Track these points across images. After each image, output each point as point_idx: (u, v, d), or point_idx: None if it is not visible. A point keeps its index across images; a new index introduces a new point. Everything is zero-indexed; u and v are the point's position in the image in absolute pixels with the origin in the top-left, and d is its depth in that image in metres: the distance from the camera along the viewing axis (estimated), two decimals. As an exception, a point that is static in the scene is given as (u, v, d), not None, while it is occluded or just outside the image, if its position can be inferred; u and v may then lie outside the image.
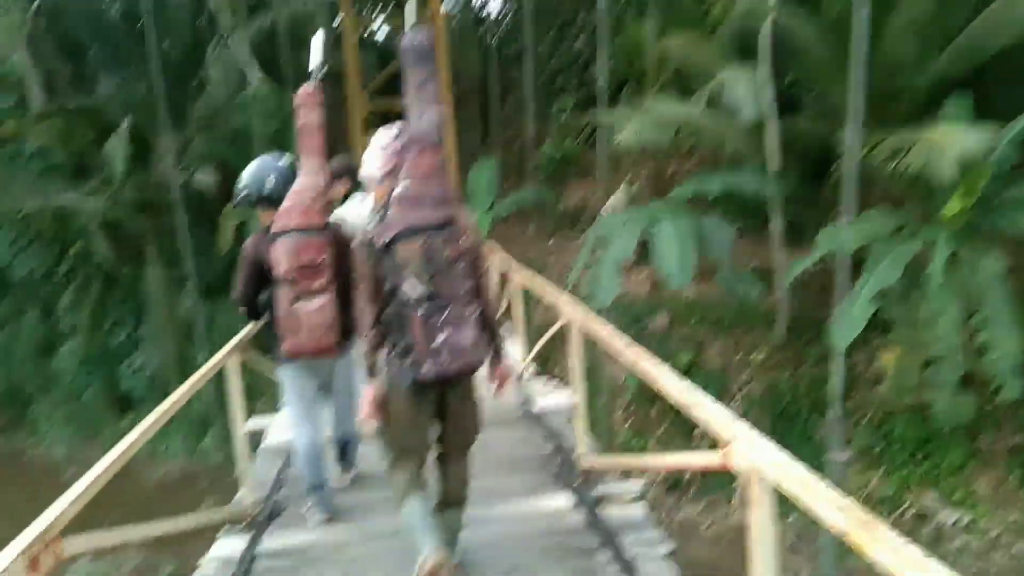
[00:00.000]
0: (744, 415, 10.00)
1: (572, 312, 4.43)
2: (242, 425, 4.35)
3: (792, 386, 9.71)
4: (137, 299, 12.66)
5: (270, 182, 3.59)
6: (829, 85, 9.15)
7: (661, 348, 9.80)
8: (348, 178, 4.60)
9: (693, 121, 9.33)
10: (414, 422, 2.86)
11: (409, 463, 2.91)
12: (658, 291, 10.68)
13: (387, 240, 2.66)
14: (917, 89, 8.68)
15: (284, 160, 3.69)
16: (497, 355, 3.02)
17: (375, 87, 17.21)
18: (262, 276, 3.55)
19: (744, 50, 11.15)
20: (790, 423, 9.61)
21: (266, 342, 3.80)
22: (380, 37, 22.04)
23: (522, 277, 7.24)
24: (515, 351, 7.23)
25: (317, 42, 3.64)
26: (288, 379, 3.76)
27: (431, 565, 2.67)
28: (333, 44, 17.99)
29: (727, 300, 9.95)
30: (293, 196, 3.43)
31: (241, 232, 12.81)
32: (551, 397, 6.00)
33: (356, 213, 4.37)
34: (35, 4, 12.75)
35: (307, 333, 3.41)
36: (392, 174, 2.72)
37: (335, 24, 16.37)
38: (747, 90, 9.19)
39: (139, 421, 3.06)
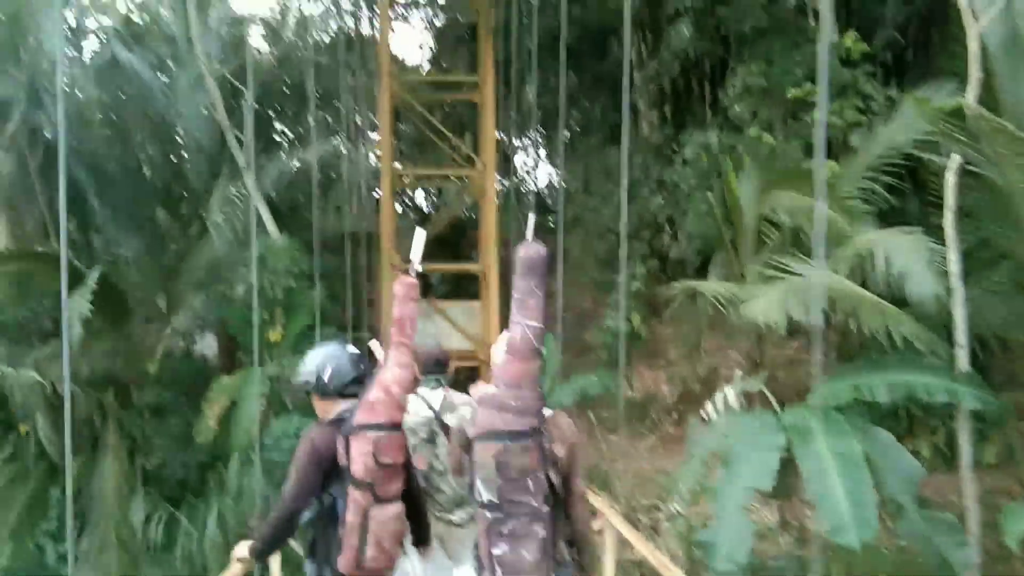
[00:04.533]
0: None
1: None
2: None
3: None
4: (85, 499, 9.84)
5: (328, 371, 3.34)
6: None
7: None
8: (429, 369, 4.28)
9: (851, 294, 6.77)
10: None
11: None
12: (801, 538, 7.62)
13: (469, 438, 2.79)
14: None
15: (349, 348, 3.47)
16: (581, 572, 3.05)
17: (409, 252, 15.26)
18: (326, 477, 3.21)
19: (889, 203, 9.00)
20: None
21: (318, 556, 3.26)
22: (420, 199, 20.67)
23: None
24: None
25: (420, 235, 3.39)
26: None
27: None
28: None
29: (906, 557, 6.89)
30: (380, 388, 3.14)
31: (231, 415, 10.20)
32: None
33: (415, 408, 4.07)
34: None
35: (377, 546, 3.12)
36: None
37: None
38: (917, 255, 6.76)
39: None
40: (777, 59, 10.98)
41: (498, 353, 2.97)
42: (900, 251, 7.00)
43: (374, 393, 3.19)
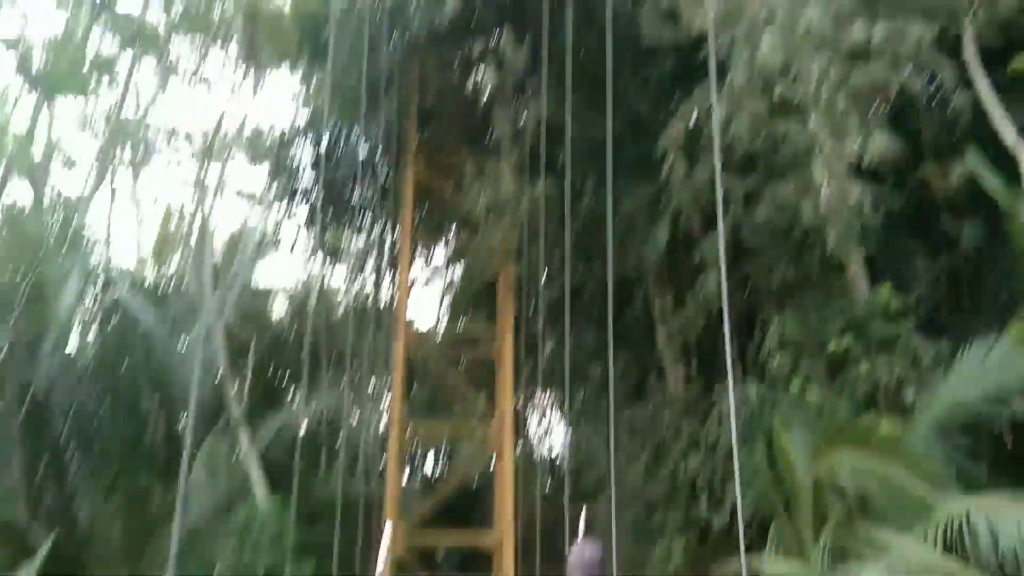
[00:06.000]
0: None
1: None
2: None
3: None
4: None
5: None
6: None
7: None
8: None
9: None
10: None
11: None
12: None
13: None
14: None
15: None
16: None
17: (421, 518, 13.88)
18: None
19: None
20: None
21: None
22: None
23: None
24: None
25: (387, 532, 2.38)
26: None
27: None
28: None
29: None
30: None
31: None
32: None
33: None
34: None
35: None
36: None
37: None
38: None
39: None
40: (812, 311, 10.49)
41: None
42: (1009, 521, 5.82)
43: None
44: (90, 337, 13.69)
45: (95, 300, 14.17)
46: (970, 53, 8.28)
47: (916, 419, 8.64)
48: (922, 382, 9.18)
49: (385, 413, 15.68)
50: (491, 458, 13.79)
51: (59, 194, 17.38)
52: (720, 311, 11.59)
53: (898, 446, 8.07)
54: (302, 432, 9.73)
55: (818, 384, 10.05)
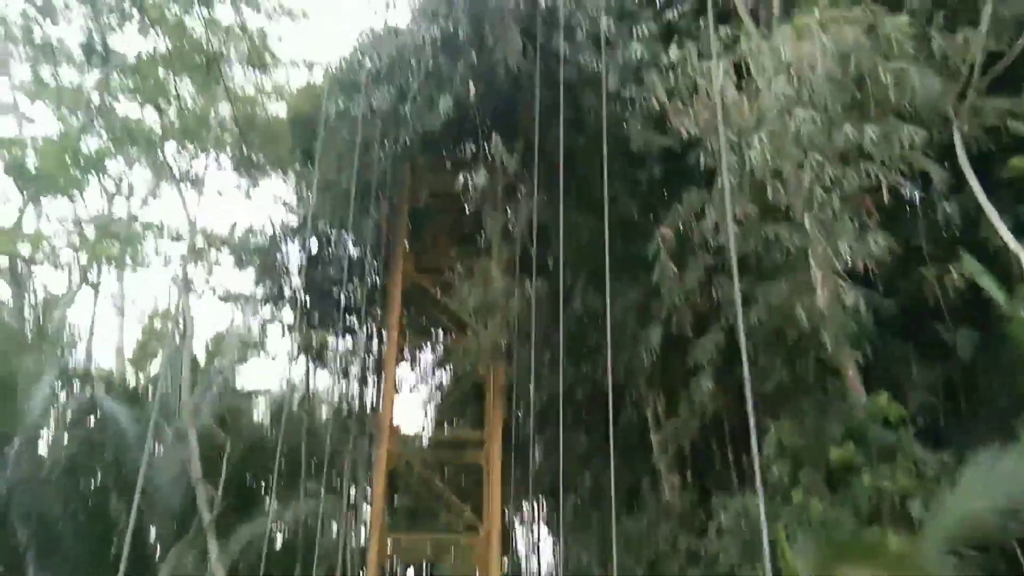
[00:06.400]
0: None
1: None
2: None
3: None
4: None
5: None
6: None
7: None
8: None
9: None
10: None
11: None
12: None
13: None
14: None
15: None
16: None
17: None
18: None
19: None
20: None
21: None
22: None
23: None
24: None
25: None
26: None
27: None
28: None
29: None
30: None
31: None
32: None
33: None
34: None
35: None
36: None
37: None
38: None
39: None
40: (809, 418, 10.18)
41: None
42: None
43: None
44: (64, 437, 13.13)
45: (69, 399, 13.73)
46: (961, 157, 8.36)
47: (924, 533, 8.25)
48: (927, 493, 8.82)
49: (365, 523, 14.94)
50: (476, 574, 13.03)
51: (43, 288, 17.14)
52: (715, 415, 11.34)
53: (908, 562, 7.66)
54: (278, 543, 9.12)
55: (820, 495, 9.66)
